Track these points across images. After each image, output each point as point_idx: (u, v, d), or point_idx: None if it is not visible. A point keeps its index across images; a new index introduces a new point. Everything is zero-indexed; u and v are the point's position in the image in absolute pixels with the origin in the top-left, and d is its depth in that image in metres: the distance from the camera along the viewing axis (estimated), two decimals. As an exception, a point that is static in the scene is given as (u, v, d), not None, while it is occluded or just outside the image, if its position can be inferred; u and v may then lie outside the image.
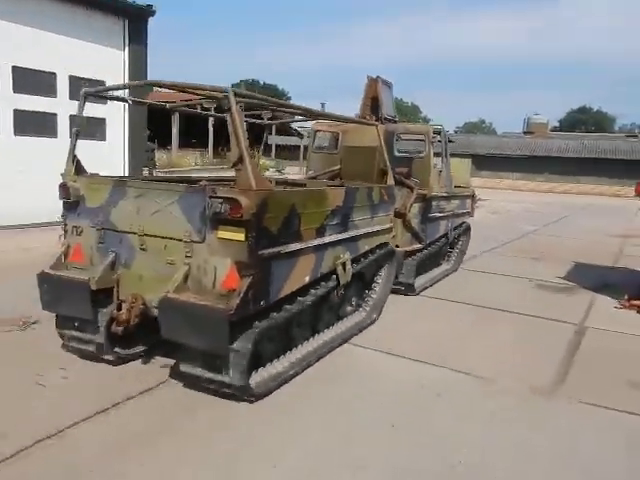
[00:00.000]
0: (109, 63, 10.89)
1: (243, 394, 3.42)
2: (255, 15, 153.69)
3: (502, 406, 3.63)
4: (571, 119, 79.20)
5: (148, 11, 11.21)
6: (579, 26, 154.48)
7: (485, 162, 39.31)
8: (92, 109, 10.31)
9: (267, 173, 23.63)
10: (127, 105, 10.95)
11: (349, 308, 5.02)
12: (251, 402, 3.45)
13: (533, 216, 17.98)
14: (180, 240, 3.42)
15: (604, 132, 59.62)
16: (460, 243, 8.14)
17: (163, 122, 26.63)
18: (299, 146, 40.09)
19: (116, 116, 11.10)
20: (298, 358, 3.97)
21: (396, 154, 6.44)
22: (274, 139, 38.77)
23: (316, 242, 3.92)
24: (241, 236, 3.20)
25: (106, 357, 3.89)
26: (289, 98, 70.26)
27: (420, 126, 7.11)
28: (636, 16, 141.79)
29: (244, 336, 3.29)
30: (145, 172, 11.05)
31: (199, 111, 6.09)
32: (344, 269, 4.39)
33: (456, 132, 61.90)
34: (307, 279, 3.90)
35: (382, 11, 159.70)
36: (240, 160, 3.27)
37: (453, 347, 4.72)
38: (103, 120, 10.89)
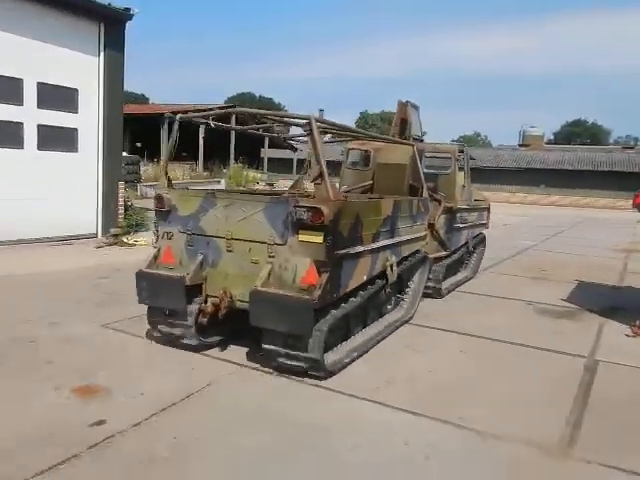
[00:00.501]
0: (82, 69, 10.11)
1: (319, 369, 4.04)
2: (254, 18, 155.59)
3: (503, 475, 3.01)
4: (566, 132, 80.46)
5: (126, 14, 10.41)
6: (572, 41, 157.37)
7: (481, 175, 39.87)
8: (62, 118, 9.94)
9: (257, 186, 23.80)
10: (102, 115, 10.45)
11: (389, 306, 5.69)
12: (323, 378, 4.08)
13: (531, 230, 18.09)
14: (264, 243, 4.09)
15: (599, 144, 60.88)
16: (477, 252, 8.83)
17: (153, 135, 26.20)
18: (292, 159, 39.05)
19: (90, 126, 10.36)
20: (358, 344, 4.66)
21: (424, 170, 7.09)
22: (267, 152, 37.93)
23: (373, 246, 4.61)
24: (320, 239, 3.88)
25: (191, 343, 4.52)
26: (285, 110, 71.54)
27: (447, 146, 7.79)
28: (630, 30, 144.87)
29: (322, 321, 3.98)
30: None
31: (255, 132, 6.76)
32: (391, 270, 5.06)
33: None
34: (365, 277, 4.59)
35: (378, 26, 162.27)
36: (320, 175, 3.97)
37: (444, 391, 4.08)
38: (75, 130, 10.14)
